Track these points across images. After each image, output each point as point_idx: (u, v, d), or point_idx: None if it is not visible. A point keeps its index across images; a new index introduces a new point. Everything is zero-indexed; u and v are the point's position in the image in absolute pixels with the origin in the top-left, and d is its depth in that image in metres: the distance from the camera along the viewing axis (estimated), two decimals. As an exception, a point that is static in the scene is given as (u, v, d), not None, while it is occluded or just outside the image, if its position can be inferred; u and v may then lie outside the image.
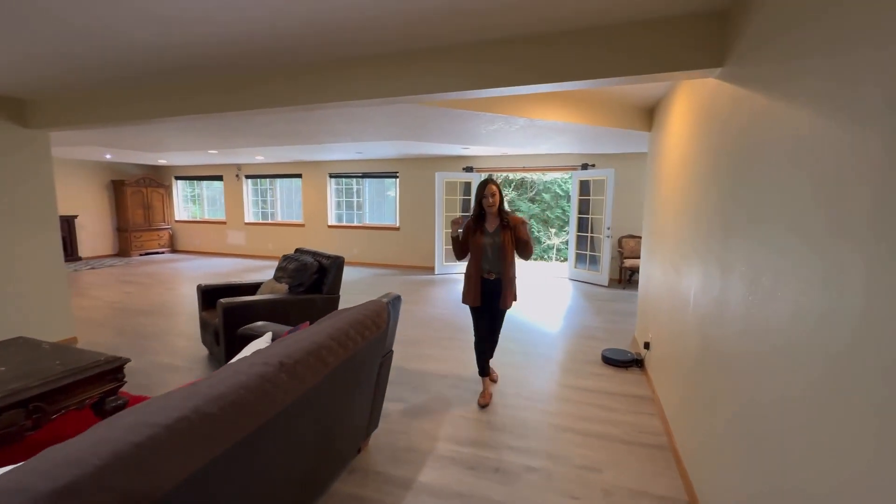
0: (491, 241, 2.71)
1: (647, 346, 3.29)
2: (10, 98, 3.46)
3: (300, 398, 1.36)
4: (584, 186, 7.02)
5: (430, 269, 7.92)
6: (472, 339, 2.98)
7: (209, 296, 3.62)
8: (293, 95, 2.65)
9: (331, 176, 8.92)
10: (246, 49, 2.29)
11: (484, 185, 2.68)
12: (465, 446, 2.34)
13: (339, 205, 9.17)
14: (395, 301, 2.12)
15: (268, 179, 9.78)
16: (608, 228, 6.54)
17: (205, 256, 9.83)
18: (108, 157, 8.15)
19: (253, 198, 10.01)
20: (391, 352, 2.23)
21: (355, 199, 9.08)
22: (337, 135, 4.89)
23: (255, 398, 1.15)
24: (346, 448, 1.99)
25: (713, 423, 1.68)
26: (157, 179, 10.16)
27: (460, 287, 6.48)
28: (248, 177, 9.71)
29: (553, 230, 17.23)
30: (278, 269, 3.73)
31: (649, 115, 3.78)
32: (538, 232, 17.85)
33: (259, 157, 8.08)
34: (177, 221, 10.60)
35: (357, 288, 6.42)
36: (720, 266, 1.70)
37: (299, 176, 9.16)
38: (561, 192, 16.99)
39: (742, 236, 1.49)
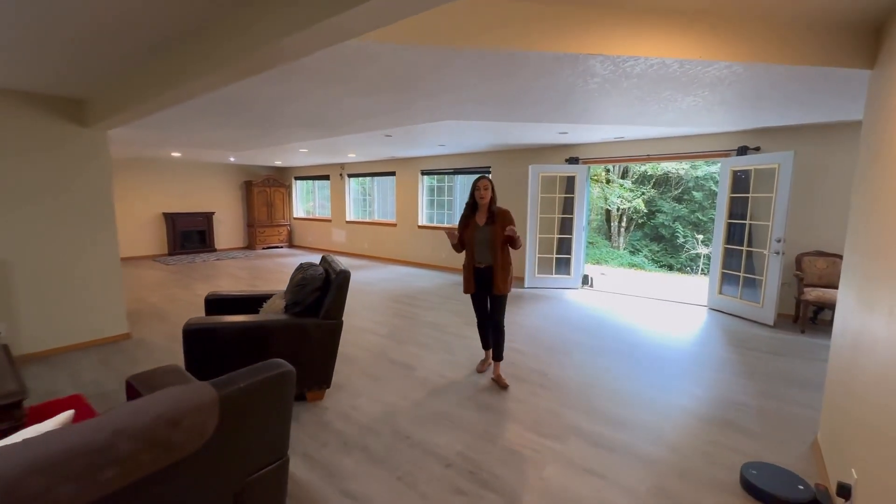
0: (480, 235, 2.92)
1: (844, 491, 1.64)
2: (69, 99, 3.54)
3: None
4: (740, 180, 4.92)
5: (520, 281, 6.67)
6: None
7: (216, 307, 3.17)
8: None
9: (422, 173, 8.33)
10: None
11: (477, 180, 2.90)
12: None
13: (430, 204, 8.53)
14: (253, 387, 1.14)
15: (367, 178, 9.72)
16: (778, 241, 4.40)
17: (314, 252, 10.29)
18: (231, 159, 8.99)
19: (354, 197, 10.10)
20: (283, 461, 1.28)
21: (446, 198, 8.33)
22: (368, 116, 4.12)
23: None
24: None
25: None
26: (279, 180, 11.05)
27: (553, 310, 5.16)
28: (350, 175, 9.80)
29: (700, 237, 14.01)
30: (289, 282, 3.10)
31: (873, 36, 2.01)
32: (683, 239, 14.75)
33: (351, 154, 7.92)
34: (295, 219, 11.39)
35: (423, 299, 5.59)
36: None
37: (393, 174, 8.81)
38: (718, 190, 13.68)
39: None
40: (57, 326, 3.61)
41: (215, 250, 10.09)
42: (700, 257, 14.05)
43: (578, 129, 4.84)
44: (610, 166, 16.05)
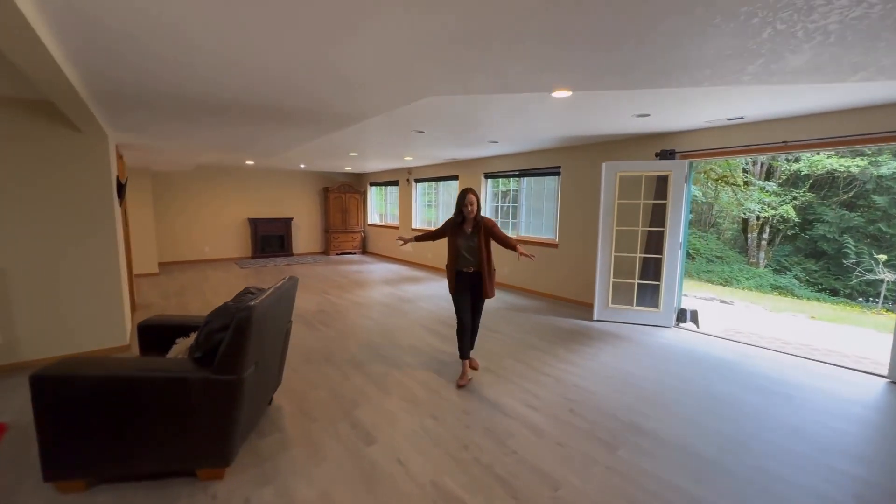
0: (467, 243, 3.11)
1: None
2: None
3: None
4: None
5: (588, 309, 5.21)
6: None
7: (152, 339, 2.67)
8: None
9: (486, 176, 7.31)
10: None
11: (464, 194, 3.09)
12: None
13: (494, 211, 7.46)
14: None
15: (432, 183, 9.04)
16: None
17: (383, 261, 9.98)
18: (301, 166, 9.11)
19: (421, 203, 9.50)
20: None
21: (511, 205, 7.17)
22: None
23: None
24: None
25: None
26: (354, 186, 11.05)
27: (622, 359, 3.59)
28: (417, 181, 9.23)
29: (883, 256, 10.36)
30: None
31: None
32: (854, 257, 11.11)
33: (408, 157, 7.30)
34: (368, 225, 11.29)
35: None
36: None
37: (456, 178, 7.97)
38: (910, 192, 10.08)
39: None
40: (53, 336, 3.55)
41: (292, 255, 10.43)
42: (882, 283, 10.33)
43: (664, 107, 3.39)
44: (748, 165, 12.92)
